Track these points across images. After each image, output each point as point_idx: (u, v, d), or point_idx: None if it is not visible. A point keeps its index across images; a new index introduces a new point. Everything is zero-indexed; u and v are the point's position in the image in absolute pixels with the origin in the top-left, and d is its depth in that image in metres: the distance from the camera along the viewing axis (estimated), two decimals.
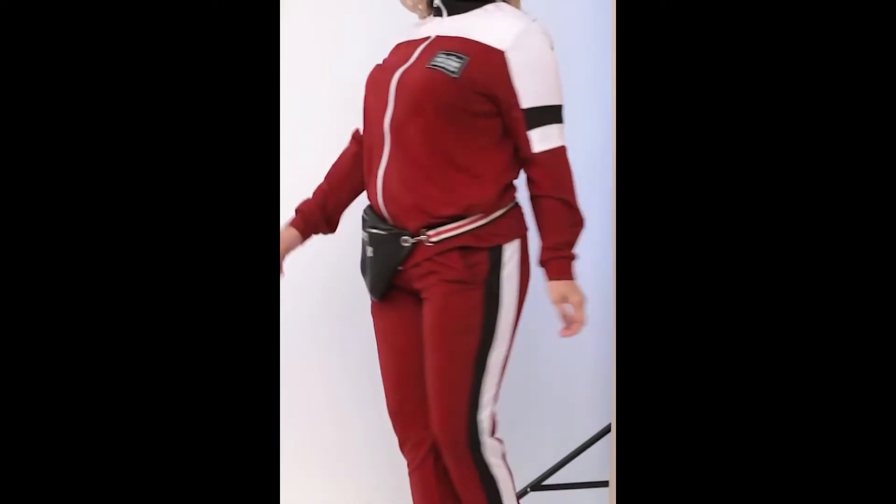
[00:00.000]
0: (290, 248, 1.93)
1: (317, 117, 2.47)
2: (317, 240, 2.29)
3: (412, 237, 1.74)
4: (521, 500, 2.34)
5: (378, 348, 1.90)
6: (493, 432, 1.80)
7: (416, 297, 1.81)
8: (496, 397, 1.81)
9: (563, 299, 1.76)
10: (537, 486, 2.33)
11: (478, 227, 1.74)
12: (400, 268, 1.77)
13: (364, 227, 1.84)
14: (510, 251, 1.78)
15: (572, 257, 1.77)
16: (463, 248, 1.72)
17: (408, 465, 1.89)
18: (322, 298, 2.61)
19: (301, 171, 2.48)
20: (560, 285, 1.76)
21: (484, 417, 1.77)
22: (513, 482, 1.86)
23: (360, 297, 2.03)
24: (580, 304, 1.76)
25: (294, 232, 1.92)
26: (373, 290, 1.84)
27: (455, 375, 1.75)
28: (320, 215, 1.92)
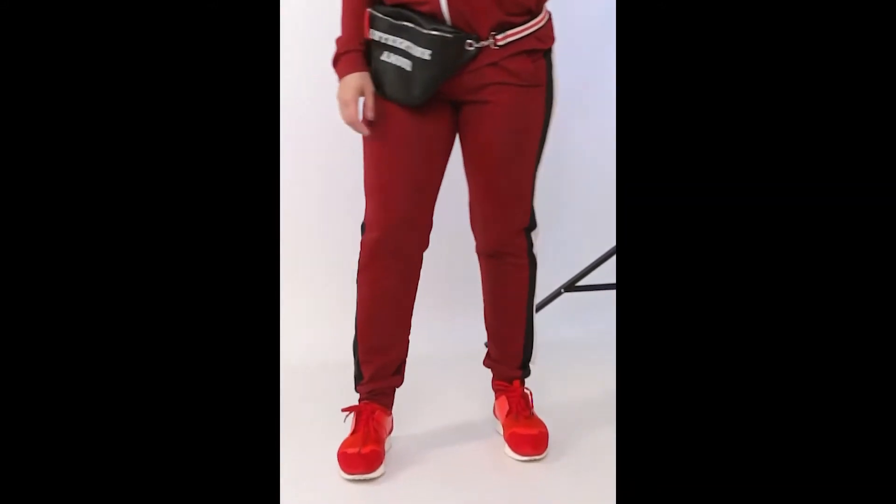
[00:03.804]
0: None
1: (317, 117, 2.43)
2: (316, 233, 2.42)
3: (477, 41, 1.67)
4: (556, 301, 2.40)
5: (388, 158, 1.76)
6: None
7: (453, 106, 1.77)
8: None
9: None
10: (570, 287, 2.39)
11: (538, 29, 1.73)
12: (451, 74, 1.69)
13: (416, 28, 1.68)
14: (554, 53, 1.79)
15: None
16: (529, 52, 1.72)
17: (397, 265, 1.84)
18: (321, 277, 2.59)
19: (301, 169, 2.48)
20: None
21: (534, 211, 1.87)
22: None
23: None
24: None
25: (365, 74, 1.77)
26: (421, 95, 1.70)
27: (526, 174, 1.81)
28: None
